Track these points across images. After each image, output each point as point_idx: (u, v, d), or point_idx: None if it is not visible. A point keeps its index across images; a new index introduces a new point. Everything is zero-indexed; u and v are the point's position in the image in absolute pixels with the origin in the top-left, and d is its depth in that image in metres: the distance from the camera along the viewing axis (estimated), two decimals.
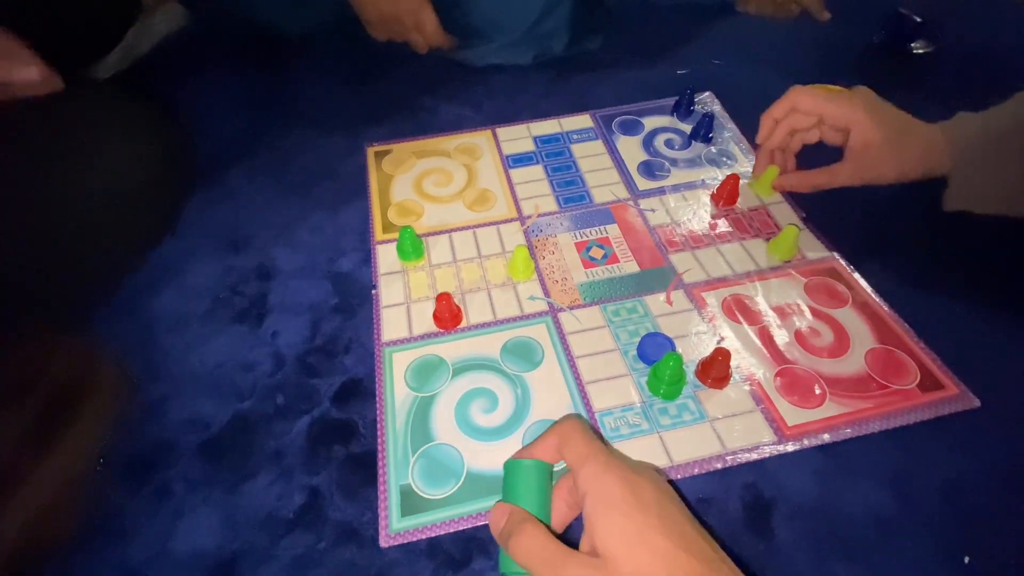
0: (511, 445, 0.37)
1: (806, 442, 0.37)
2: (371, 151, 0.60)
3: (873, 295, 0.44)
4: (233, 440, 0.39)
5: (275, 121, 0.64)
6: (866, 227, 0.50)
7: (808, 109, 0.48)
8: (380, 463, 0.37)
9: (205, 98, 0.68)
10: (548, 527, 0.28)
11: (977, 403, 0.38)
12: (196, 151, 0.59)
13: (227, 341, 0.44)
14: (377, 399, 0.40)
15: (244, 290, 0.48)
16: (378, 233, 0.51)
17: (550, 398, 0.40)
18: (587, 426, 0.30)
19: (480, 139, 0.61)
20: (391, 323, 0.45)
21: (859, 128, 0.46)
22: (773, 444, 0.37)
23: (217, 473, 0.38)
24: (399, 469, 0.37)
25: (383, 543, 0.34)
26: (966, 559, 0.32)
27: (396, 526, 0.34)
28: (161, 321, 0.46)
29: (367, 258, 0.50)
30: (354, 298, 0.47)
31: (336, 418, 0.40)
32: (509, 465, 0.31)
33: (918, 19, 0.67)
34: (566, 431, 0.29)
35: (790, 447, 0.37)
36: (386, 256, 0.49)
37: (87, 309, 0.47)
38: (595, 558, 0.25)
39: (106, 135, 0.49)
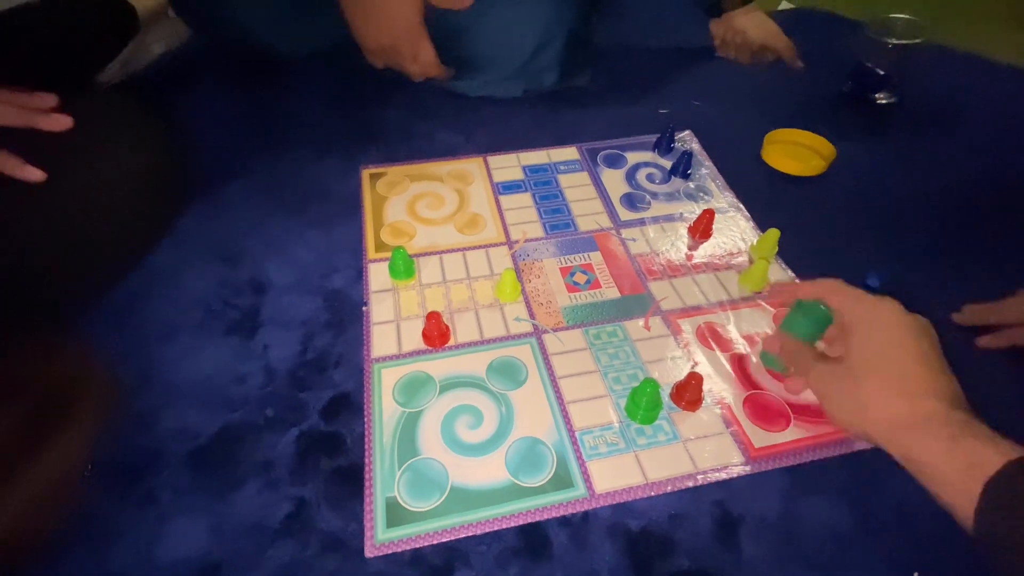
0: (495, 461, 0.39)
1: (771, 463, 0.39)
2: (366, 172, 0.62)
3: None
4: (222, 450, 0.40)
5: (273, 140, 0.66)
6: (831, 261, 0.53)
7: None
8: (367, 475, 0.38)
9: (204, 114, 0.70)
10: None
11: None
12: (189, 159, 0.59)
13: (219, 352, 0.45)
14: (365, 413, 0.42)
15: (237, 303, 0.49)
16: (371, 252, 0.53)
17: (533, 416, 0.42)
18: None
19: (472, 166, 0.63)
20: (381, 340, 0.46)
21: None
22: (741, 464, 0.39)
23: (204, 482, 0.38)
24: (385, 482, 0.38)
25: (368, 553, 0.35)
26: (915, 574, 0.34)
27: (381, 537, 0.35)
28: (153, 330, 0.47)
29: (359, 276, 0.51)
30: (345, 314, 0.48)
31: (324, 431, 0.41)
32: (801, 304, 0.38)
33: (881, 72, 0.72)
34: (834, 283, 0.37)
35: (757, 468, 0.39)
36: (378, 274, 0.51)
37: (77, 313, 0.47)
38: (837, 360, 0.34)
39: (101, 141, 0.50)
